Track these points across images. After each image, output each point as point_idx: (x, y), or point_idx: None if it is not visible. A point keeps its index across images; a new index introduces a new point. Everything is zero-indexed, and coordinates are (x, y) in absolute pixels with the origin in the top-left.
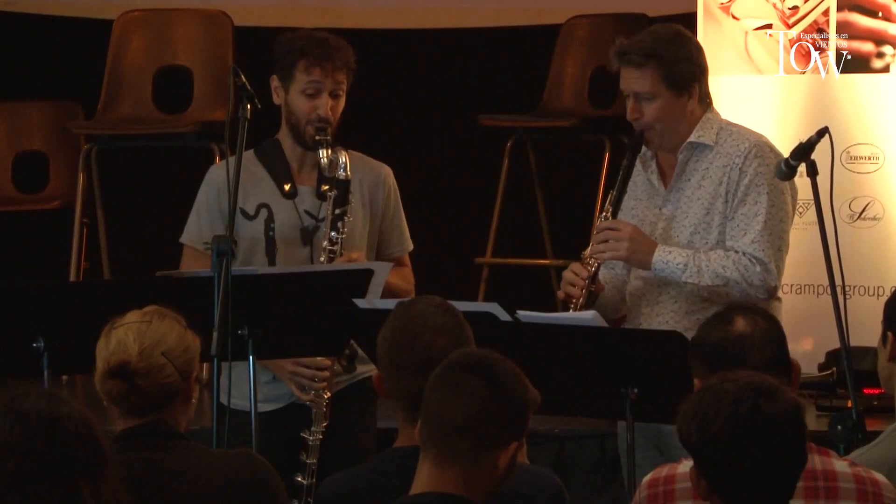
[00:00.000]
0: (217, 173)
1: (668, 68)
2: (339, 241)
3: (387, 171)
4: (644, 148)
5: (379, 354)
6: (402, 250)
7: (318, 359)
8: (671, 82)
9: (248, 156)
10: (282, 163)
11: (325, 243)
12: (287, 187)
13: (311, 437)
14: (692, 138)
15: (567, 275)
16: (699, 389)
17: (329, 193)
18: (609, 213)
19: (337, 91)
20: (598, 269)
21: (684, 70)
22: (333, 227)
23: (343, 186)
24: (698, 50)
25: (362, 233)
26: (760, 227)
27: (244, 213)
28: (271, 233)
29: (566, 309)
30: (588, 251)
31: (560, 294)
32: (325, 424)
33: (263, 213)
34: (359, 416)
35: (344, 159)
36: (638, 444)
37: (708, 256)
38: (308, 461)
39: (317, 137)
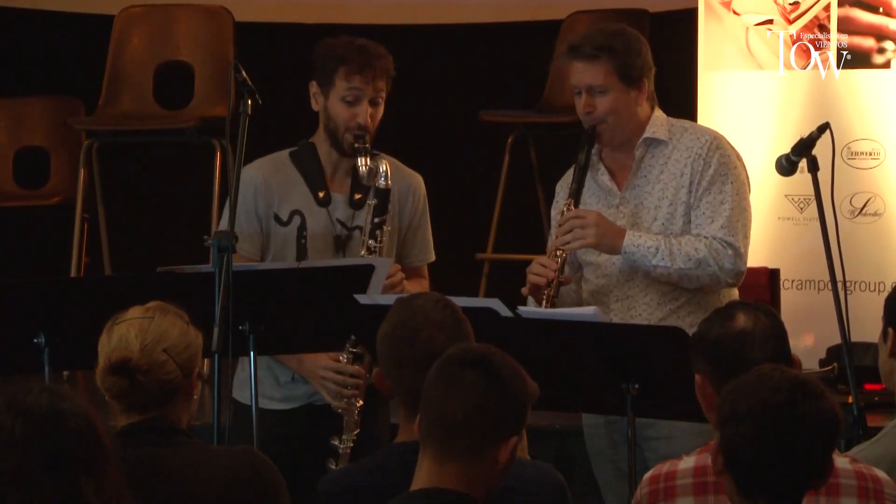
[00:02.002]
0: (251, 174)
1: (621, 61)
2: (378, 249)
3: (418, 181)
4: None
5: (379, 350)
6: (422, 260)
7: (353, 367)
8: (623, 75)
9: (283, 157)
10: (317, 168)
11: (362, 251)
12: (321, 194)
13: (341, 446)
14: (647, 134)
15: (535, 267)
16: (750, 370)
17: (369, 202)
18: (571, 205)
19: (376, 99)
20: (565, 260)
21: (635, 63)
22: (371, 236)
23: (383, 195)
24: (646, 47)
25: (391, 240)
26: (728, 214)
27: (277, 219)
28: (303, 240)
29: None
30: (554, 243)
31: (524, 290)
32: (356, 433)
33: (296, 220)
34: (373, 417)
35: (385, 168)
36: (615, 440)
37: (679, 241)
38: (337, 468)
39: (356, 145)
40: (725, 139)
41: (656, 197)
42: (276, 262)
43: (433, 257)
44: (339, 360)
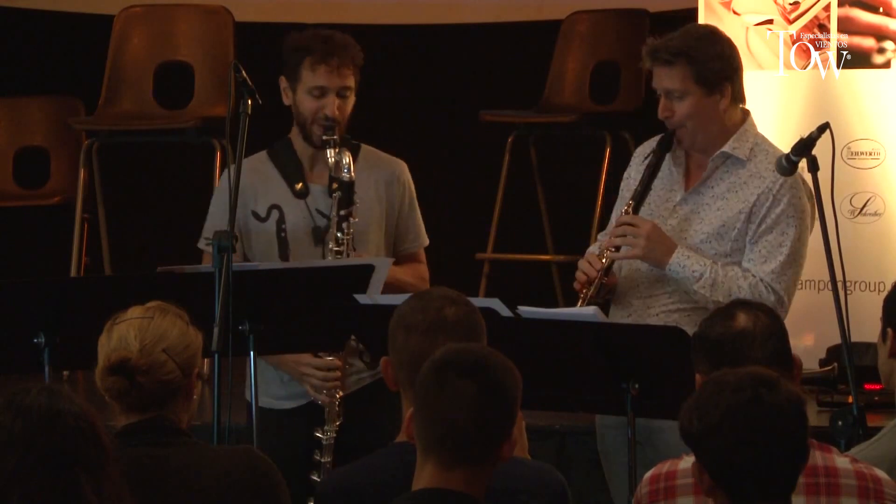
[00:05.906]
0: (227, 176)
1: (698, 66)
2: (345, 241)
3: (402, 167)
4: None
5: (392, 324)
6: (416, 246)
7: (329, 359)
8: (701, 80)
9: (261, 157)
10: (294, 162)
11: (330, 244)
12: (298, 186)
13: (324, 437)
14: (727, 149)
15: (583, 264)
16: (702, 383)
17: (334, 195)
18: (630, 208)
19: (344, 90)
20: (612, 262)
21: (715, 68)
22: (339, 229)
23: (347, 187)
24: (731, 48)
25: (378, 230)
26: (783, 260)
27: (256, 216)
28: (283, 234)
29: (576, 299)
30: (605, 244)
31: (576, 285)
32: (338, 423)
33: (275, 213)
34: (386, 410)
35: (347, 160)
36: (629, 441)
37: (725, 272)
38: (323, 460)
39: (324, 137)
40: (801, 177)
41: (713, 213)
42: (262, 260)
43: (426, 241)
44: (318, 356)
